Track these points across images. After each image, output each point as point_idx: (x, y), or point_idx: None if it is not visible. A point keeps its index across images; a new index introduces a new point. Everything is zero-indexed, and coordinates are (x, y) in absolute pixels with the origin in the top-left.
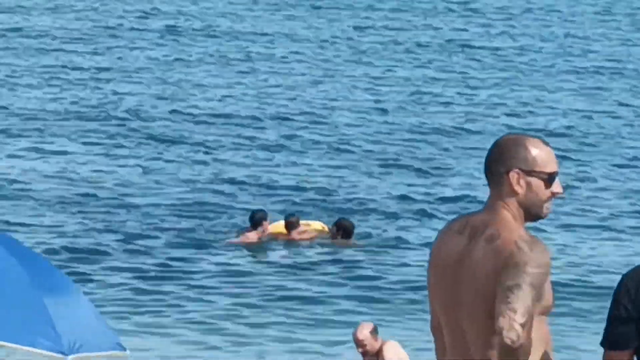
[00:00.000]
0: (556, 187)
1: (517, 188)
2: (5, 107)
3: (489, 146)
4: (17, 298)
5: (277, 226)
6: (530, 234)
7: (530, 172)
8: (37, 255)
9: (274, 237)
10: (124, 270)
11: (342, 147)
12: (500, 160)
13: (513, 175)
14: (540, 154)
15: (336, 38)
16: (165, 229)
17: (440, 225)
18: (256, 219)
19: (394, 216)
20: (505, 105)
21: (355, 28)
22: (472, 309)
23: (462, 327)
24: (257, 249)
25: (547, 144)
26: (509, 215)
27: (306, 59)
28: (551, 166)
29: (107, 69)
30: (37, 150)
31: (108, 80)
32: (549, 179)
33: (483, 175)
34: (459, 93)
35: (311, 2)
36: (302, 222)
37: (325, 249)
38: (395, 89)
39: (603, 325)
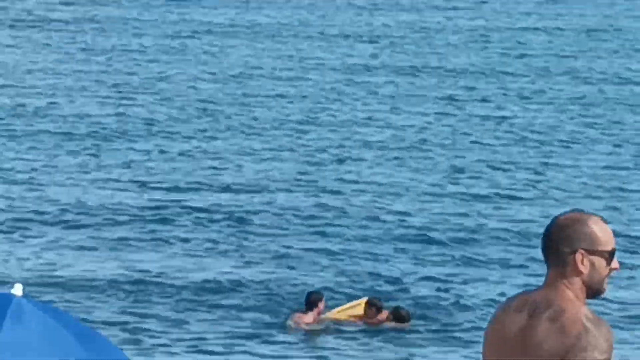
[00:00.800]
0: (614, 263)
1: (581, 268)
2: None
3: (525, 216)
4: None
5: (357, 308)
6: (593, 313)
7: (594, 252)
8: (94, 332)
9: (352, 318)
10: (176, 347)
11: (379, 221)
12: (564, 241)
13: (578, 256)
14: (602, 233)
15: (367, 115)
16: (215, 306)
17: (482, 301)
18: (311, 301)
19: (438, 295)
20: (544, 175)
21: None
22: None
23: None
24: (317, 332)
25: (605, 221)
26: (571, 294)
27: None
28: (611, 244)
29: (144, 151)
30: (88, 237)
31: (145, 161)
32: (610, 257)
33: (522, 247)
34: (500, 161)
35: (339, 86)
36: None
37: (386, 333)
38: (429, 162)
39: None
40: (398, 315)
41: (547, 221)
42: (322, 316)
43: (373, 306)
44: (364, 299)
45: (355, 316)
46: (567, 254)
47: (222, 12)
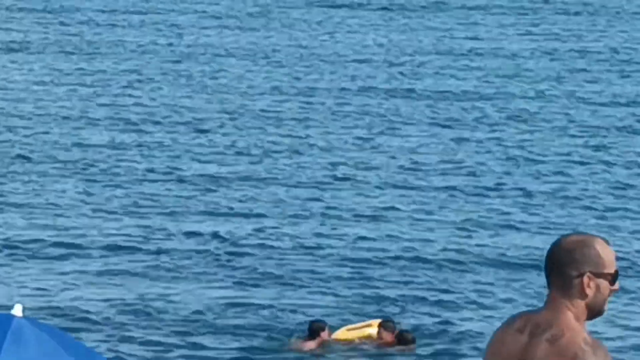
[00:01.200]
0: (616, 284)
1: (587, 291)
2: None
3: (522, 239)
4: None
5: (367, 329)
6: (592, 337)
7: (600, 275)
8: (93, 352)
9: (359, 339)
10: None
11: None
12: (571, 264)
13: (586, 280)
14: (607, 255)
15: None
16: (213, 331)
17: (488, 322)
18: (314, 329)
19: (446, 318)
20: (539, 198)
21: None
22: None
23: None
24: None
25: (608, 243)
26: (573, 316)
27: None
28: (614, 266)
29: (139, 175)
30: (84, 263)
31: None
32: (613, 279)
33: (521, 270)
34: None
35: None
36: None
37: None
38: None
39: None
40: (403, 338)
41: (544, 244)
42: (331, 336)
43: (387, 329)
44: (377, 321)
45: (363, 337)
46: (573, 277)
47: (217, 34)
